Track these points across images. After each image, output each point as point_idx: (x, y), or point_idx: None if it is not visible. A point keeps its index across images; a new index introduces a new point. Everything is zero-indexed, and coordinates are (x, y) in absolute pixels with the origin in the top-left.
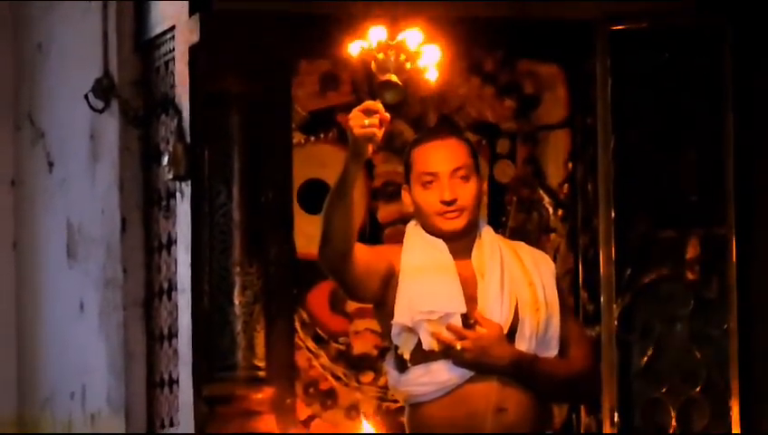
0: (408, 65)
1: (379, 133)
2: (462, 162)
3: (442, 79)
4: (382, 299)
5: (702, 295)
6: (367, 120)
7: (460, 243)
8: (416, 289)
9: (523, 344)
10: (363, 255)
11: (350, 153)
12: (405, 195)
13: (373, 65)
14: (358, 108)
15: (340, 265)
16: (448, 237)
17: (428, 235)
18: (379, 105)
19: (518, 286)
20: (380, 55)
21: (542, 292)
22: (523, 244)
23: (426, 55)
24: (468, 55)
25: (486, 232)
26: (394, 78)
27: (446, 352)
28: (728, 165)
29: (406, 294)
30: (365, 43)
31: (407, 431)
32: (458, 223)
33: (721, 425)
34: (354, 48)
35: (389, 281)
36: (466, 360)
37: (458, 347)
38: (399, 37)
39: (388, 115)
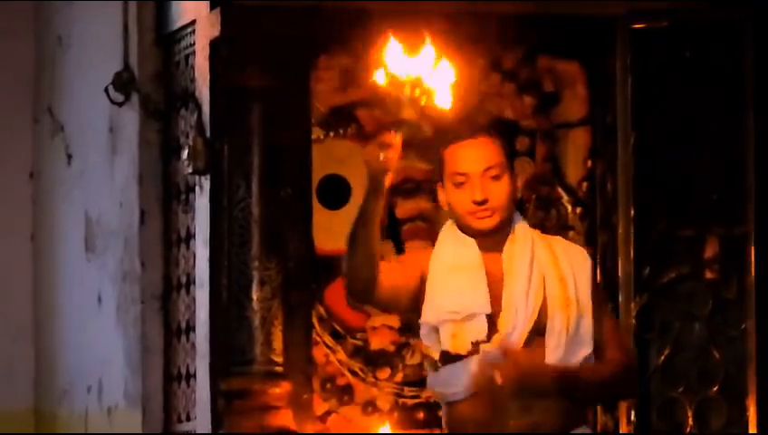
0: (423, 100)
1: (394, 163)
2: (493, 161)
3: (460, 83)
4: (414, 308)
5: (720, 295)
6: (382, 156)
7: (493, 239)
8: (442, 289)
9: (553, 340)
10: (389, 276)
11: (369, 188)
12: (440, 192)
13: (387, 101)
14: (374, 143)
15: (367, 293)
16: (481, 235)
17: (462, 233)
18: (394, 139)
19: (548, 282)
20: (394, 93)
21: (574, 288)
22: (560, 238)
23: (441, 82)
24: (488, 52)
25: (520, 227)
26: (408, 115)
27: (489, 389)
28: (748, 164)
29: (433, 293)
30: (383, 75)
31: (443, 429)
32: (490, 222)
33: (738, 425)
34: (379, 78)
35: (420, 292)
36: (509, 389)
37: (499, 381)
38: (413, 71)
39: (399, 148)
